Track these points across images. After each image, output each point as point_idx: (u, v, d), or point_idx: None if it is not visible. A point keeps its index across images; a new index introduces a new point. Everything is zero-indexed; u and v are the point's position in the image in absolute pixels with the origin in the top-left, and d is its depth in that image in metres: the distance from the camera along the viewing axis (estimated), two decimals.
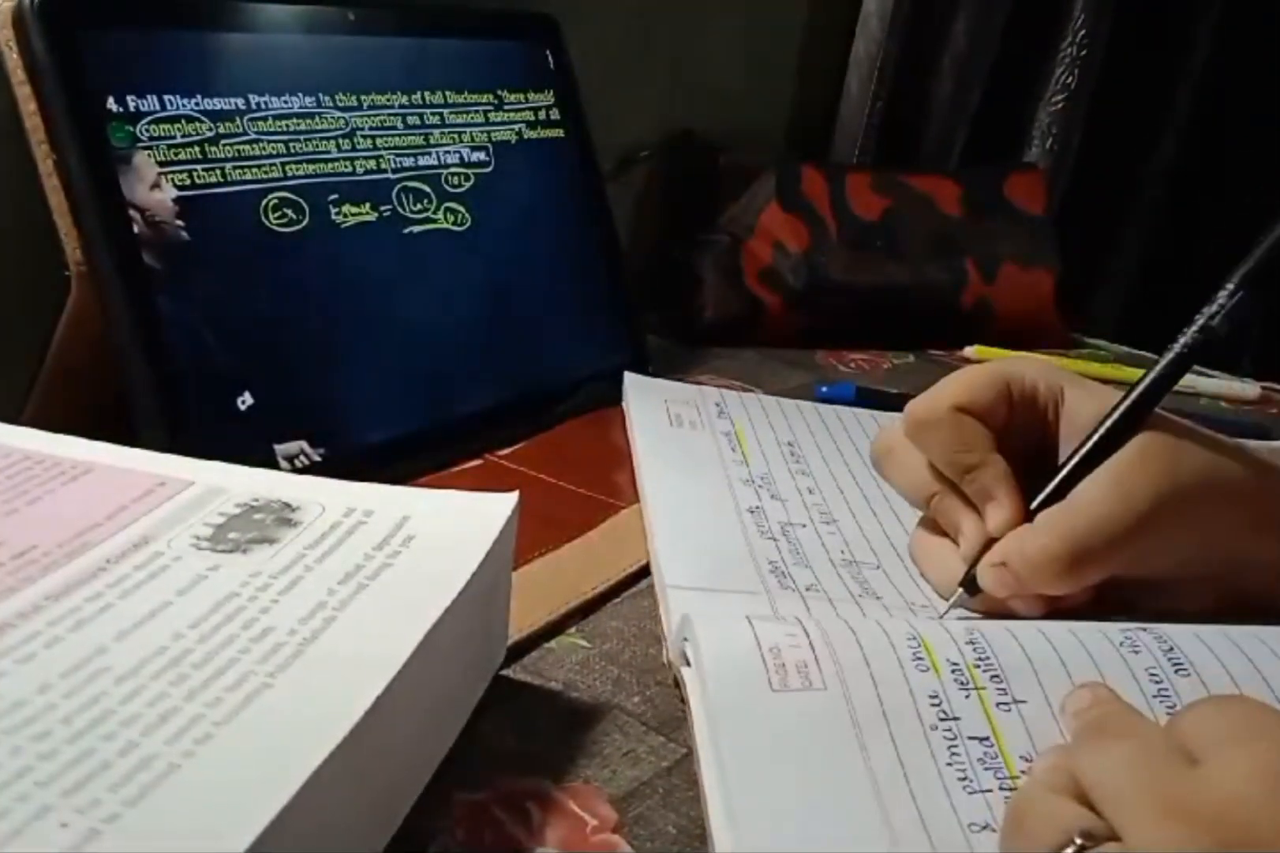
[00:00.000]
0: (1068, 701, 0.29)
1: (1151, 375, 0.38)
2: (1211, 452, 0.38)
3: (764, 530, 0.43)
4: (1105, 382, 0.42)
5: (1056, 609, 0.38)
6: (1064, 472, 0.38)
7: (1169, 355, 0.38)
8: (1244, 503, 0.37)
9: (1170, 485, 0.36)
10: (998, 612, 0.38)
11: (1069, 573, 0.36)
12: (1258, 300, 0.37)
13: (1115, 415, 0.38)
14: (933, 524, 0.41)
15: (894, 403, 0.54)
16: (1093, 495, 0.37)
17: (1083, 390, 0.40)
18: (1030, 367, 0.41)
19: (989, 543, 0.38)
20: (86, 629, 0.26)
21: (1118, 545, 0.36)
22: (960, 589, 0.39)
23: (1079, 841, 0.23)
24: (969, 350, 0.75)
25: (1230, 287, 0.37)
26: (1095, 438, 0.38)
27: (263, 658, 0.26)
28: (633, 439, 0.52)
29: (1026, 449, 0.40)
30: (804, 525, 0.45)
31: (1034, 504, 0.38)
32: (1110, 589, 0.39)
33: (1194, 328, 0.38)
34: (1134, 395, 0.38)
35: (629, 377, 0.59)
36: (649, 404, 0.56)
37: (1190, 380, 0.73)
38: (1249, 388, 0.73)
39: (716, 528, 0.44)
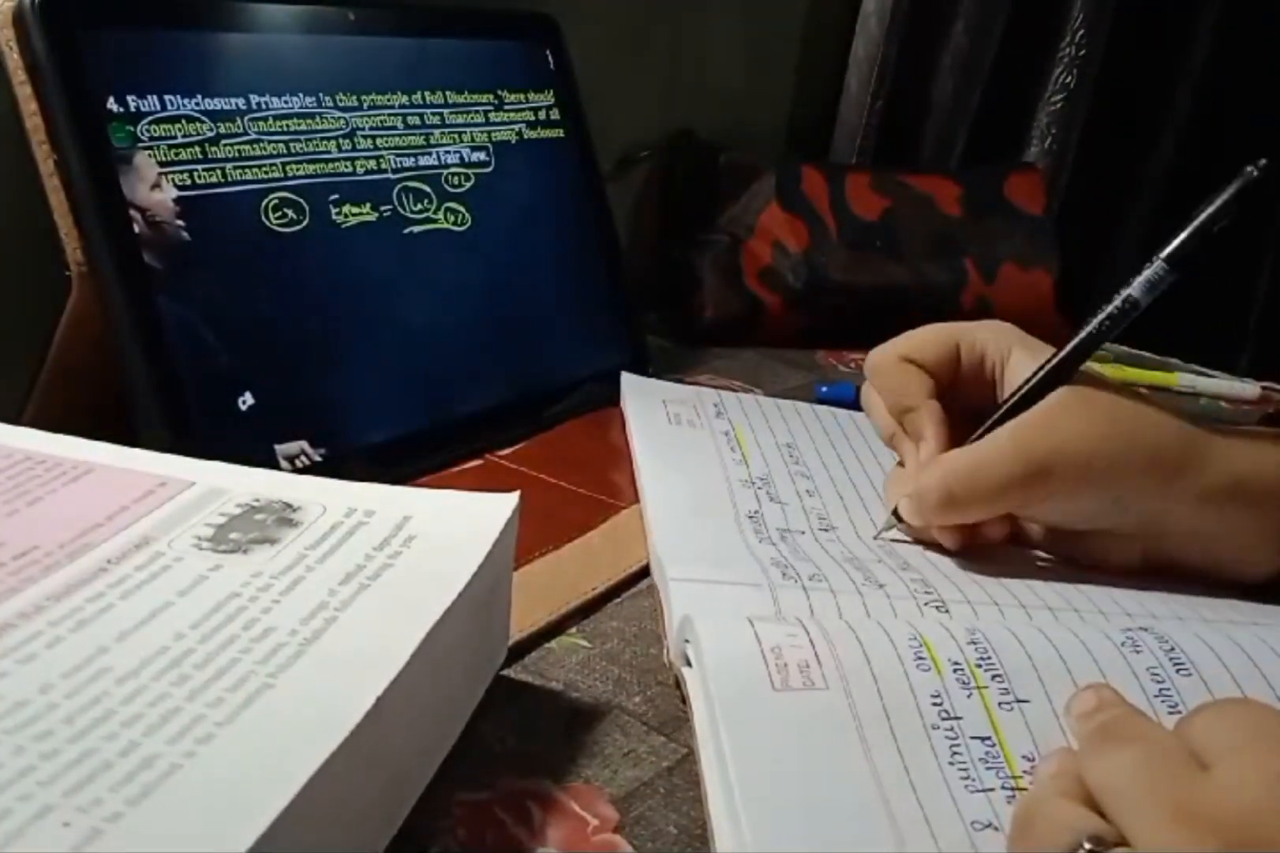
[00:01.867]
0: (1072, 702, 0.29)
1: (1080, 335, 0.41)
2: (1135, 415, 0.39)
3: (763, 537, 0.43)
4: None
5: (974, 544, 0.42)
6: (990, 419, 0.42)
7: (1097, 317, 0.41)
8: (1161, 470, 0.38)
9: (1072, 442, 0.38)
10: (923, 539, 0.43)
11: (942, 507, 0.40)
12: (1180, 280, 0.40)
13: (1044, 370, 0.41)
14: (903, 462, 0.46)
15: None
16: (989, 441, 0.40)
17: (1028, 351, 0.43)
18: (985, 329, 0.45)
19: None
20: (88, 629, 0.26)
21: (996, 489, 0.39)
22: (892, 517, 0.44)
23: (1087, 845, 0.23)
24: None
25: (1153, 263, 0.40)
26: (1022, 391, 0.41)
27: (264, 658, 0.26)
28: (631, 439, 0.52)
29: (975, 404, 0.43)
30: (803, 533, 0.45)
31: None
32: (1031, 533, 0.43)
33: (1120, 296, 0.41)
34: (1062, 353, 0.41)
35: (626, 377, 0.59)
36: (647, 404, 0.56)
37: (1190, 380, 0.73)
38: (1249, 388, 0.73)
39: (716, 530, 0.44)
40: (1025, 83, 1.00)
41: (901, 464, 0.46)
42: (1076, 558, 0.43)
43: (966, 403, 0.44)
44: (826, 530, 0.45)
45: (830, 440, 0.55)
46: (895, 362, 0.44)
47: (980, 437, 0.41)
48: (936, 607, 0.38)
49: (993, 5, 0.91)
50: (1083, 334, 0.41)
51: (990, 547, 0.43)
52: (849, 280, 0.75)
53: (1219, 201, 0.39)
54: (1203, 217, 0.40)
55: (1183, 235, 0.40)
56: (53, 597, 0.27)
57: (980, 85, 0.95)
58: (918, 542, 0.44)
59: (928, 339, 0.45)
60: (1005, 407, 0.41)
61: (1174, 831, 0.22)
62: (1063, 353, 0.41)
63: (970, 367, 0.44)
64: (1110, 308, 0.41)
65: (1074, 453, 0.38)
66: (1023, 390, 0.41)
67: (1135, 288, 0.41)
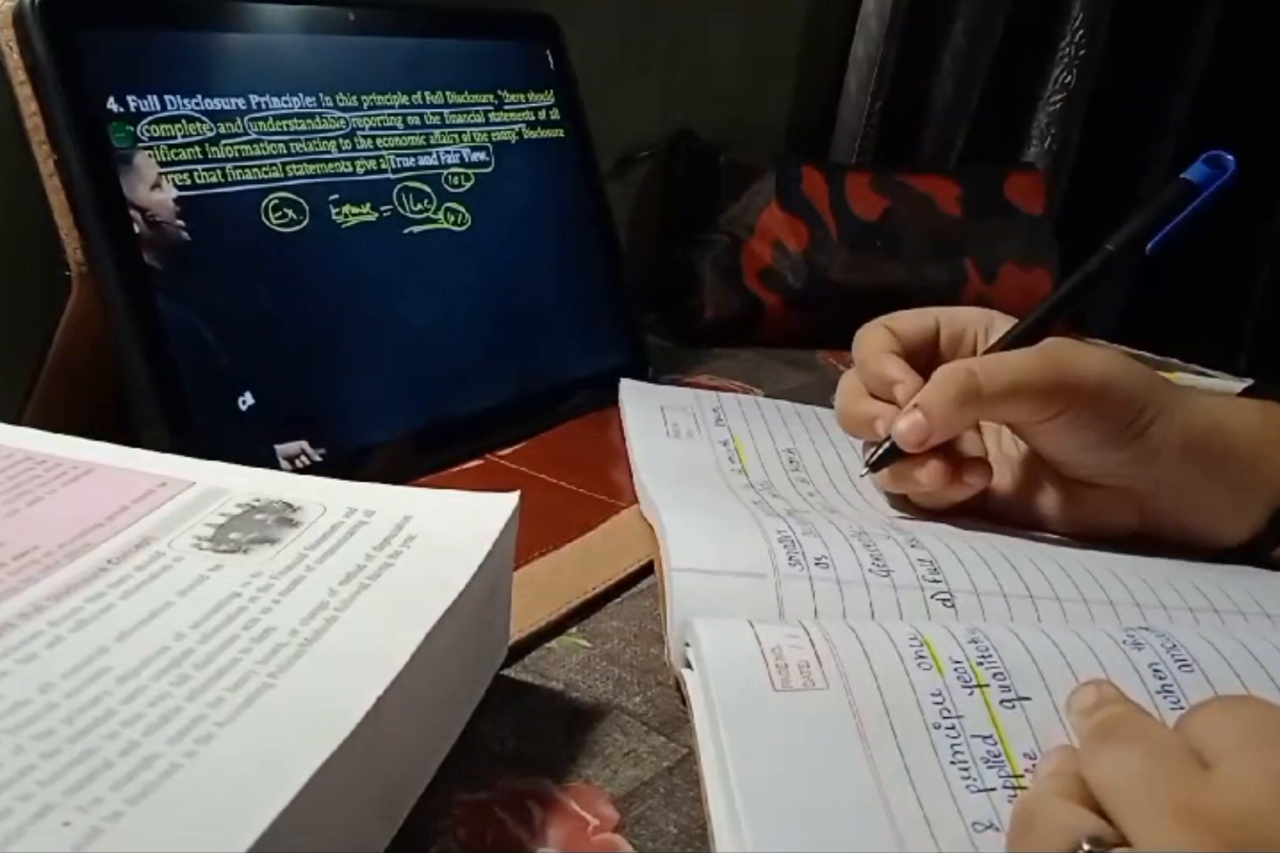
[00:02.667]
0: (1073, 698, 0.29)
1: (1053, 297, 0.45)
2: (1112, 358, 0.42)
3: (770, 512, 0.43)
4: None
5: (953, 490, 0.44)
6: (986, 350, 0.45)
7: (1076, 275, 0.45)
8: (1134, 412, 0.41)
9: (1094, 362, 0.41)
10: (903, 487, 0.45)
11: (963, 398, 0.41)
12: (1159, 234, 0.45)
13: (1026, 321, 0.45)
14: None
15: None
16: (1015, 351, 0.43)
17: (1006, 322, 0.47)
18: (967, 310, 0.49)
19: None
20: (88, 629, 0.26)
21: (1021, 387, 0.41)
22: (875, 451, 0.45)
23: (1087, 846, 0.23)
24: None
25: (1120, 236, 0.45)
26: (1007, 340, 0.45)
27: (264, 658, 0.26)
28: (630, 449, 0.52)
29: None
30: (808, 511, 0.44)
31: None
32: (1038, 505, 0.45)
33: (1098, 255, 0.45)
34: (1043, 307, 0.45)
35: (624, 383, 0.58)
36: (645, 412, 0.55)
37: (1190, 380, 0.73)
38: None
39: (721, 510, 0.43)
40: (1025, 83, 1.00)
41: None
42: (1073, 521, 0.44)
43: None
44: (832, 512, 0.45)
45: (832, 442, 0.54)
46: (875, 326, 0.48)
47: None
48: (943, 600, 0.37)
49: (993, 5, 0.92)
50: (1063, 289, 0.46)
51: (995, 526, 0.44)
52: (849, 280, 0.75)
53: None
54: (1159, 202, 0.45)
55: (1148, 212, 0.45)
56: (53, 597, 0.27)
57: (980, 85, 0.95)
58: (898, 490, 0.46)
59: (910, 313, 0.49)
60: (1006, 340, 0.45)
61: (1175, 831, 0.22)
62: (1043, 307, 0.45)
63: (950, 338, 0.48)
64: (1094, 260, 0.45)
65: (1094, 370, 0.40)
66: (1006, 340, 0.45)
67: (1115, 241, 0.45)
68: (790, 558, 0.38)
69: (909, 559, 0.39)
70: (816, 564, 0.38)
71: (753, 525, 0.41)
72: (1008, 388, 0.41)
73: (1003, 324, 0.47)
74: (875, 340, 0.47)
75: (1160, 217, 0.45)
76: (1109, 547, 0.43)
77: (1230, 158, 0.44)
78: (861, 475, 0.46)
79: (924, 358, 0.47)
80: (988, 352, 0.45)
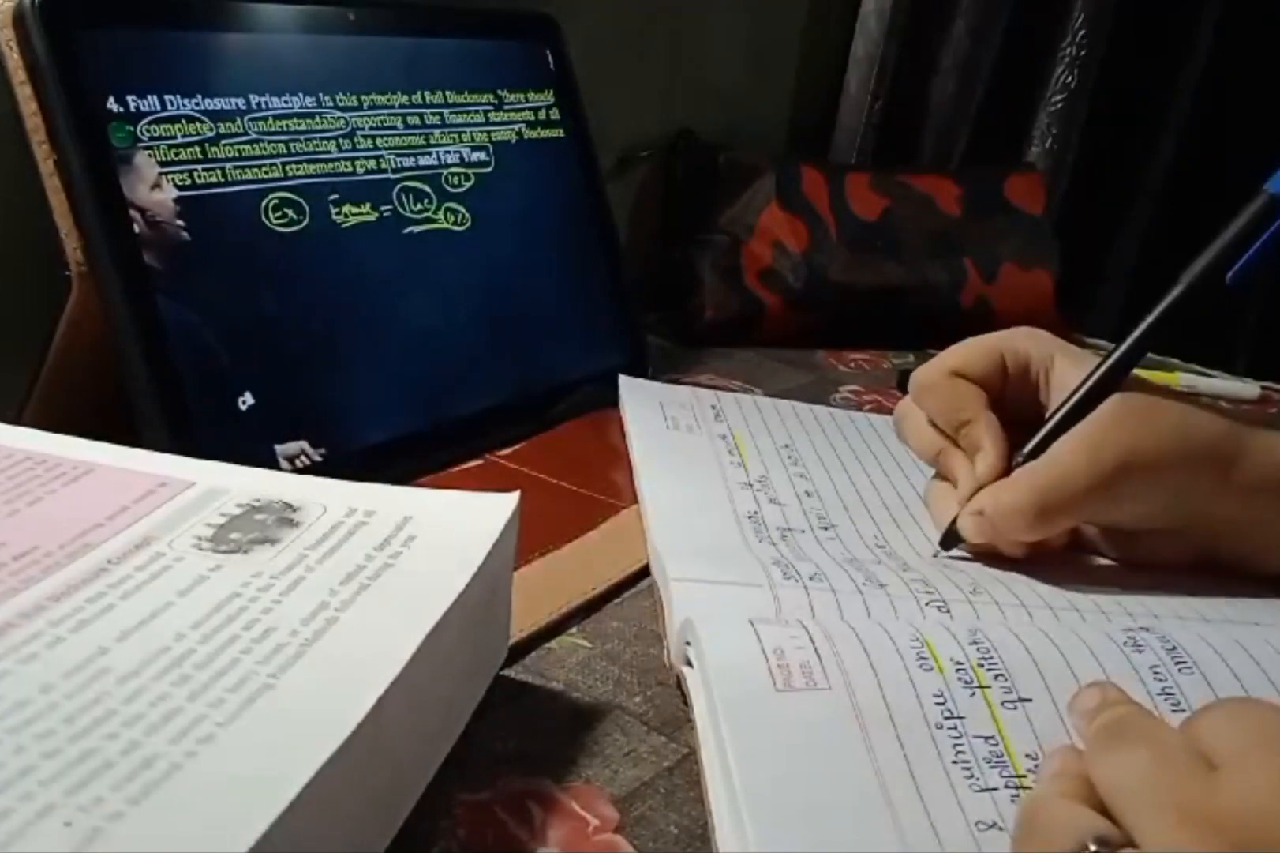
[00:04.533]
0: (1076, 700, 0.29)
1: (1126, 343, 0.41)
2: (1184, 415, 0.40)
3: (762, 537, 0.43)
4: None
5: (1036, 552, 0.42)
6: (1044, 429, 0.42)
7: (1143, 325, 0.41)
8: (1214, 465, 0.40)
9: (1138, 445, 0.39)
10: (984, 553, 0.43)
11: (1036, 522, 0.40)
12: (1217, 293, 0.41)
13: (1092, 379, 0.42)
14: (942, 477, 0.46)
15: None
16: (1063, 452, 0.40)
17: (1070, 359, 0.44)
18: (1025, 337, 0.45)
19: (979, 489, 0.42)
20: (88, 630, 0.26)
21: (1082, 498, 0.40)
22: (949, 534, 0.43)
23: (1093, 847, 0.23)
24: None
25: (1197, 266, 0.41)
26: (1073, 400, 0.41)
27: (265, 659, 0.26)
28: (630, 443, 0.52)
29: (1022, 414, 0.44)
30: (803, 532, 0.45)
31: (1017, 459, 0.42)
32: (1088, 537, 0.44)
33: (1163, 303, 0.41)
34: (1109, 361, 0.42)
35: (624, 380, 0.59)
36: (644, 408, 0.55)
37: (1190, 380, 0.73)
38: (1249, 388, 0.73)
39: (715, 529, 0.44)
40: (1026, 83, 1.00)
41: (940, 477, 0.46)
42: (1130, 559, 0.43)
43: (1012, 414, 0.44)
44: (826, 529, 0.45)
45: (830, 441, 0.55)
46: (945, 376, 0.45)
47: (1037, 448, 0.41)
48: (938, 606, 0.38)
49: (993, 5, 0.91)
50: (1128, 342, 0.41)
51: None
52: (849, 280, 0.75)
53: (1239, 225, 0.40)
54: (1229, 235, 0.40)
55: (1214, 250, 0.40)
56: (53, 597, 0.27)
57: (980, 85, 0.95)
58: (977, 558, 0.43)
59: (974, 352, 0.45)
60: (1058, 417, 0.41)
61: (1182, 832, 0.22)
62: (1109, 361, 0.42)
63: (1016, 377, 0.45)
64: (1151, 317, 0.41)
65: (1144, 456, 0.39)
66: (1072, 401, 0.41)
67: (1190, 273, 0.41)
68: (785, 573, 0.39)
69: (901, 579, 0.40)
70: (811, 579, 0.39)
71: (745, 553, 0.41)
72: (1072, 504, 0.40)
73: (1063, 362, 0.44)
74: (955, 395, 0.44)
75: (1241, 239, 0.40)
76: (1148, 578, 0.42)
77: None
78: (935, 556, 0.43)
79: (995, 392, 0.45)
80: (1055, 415, 0.42)
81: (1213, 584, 0.41)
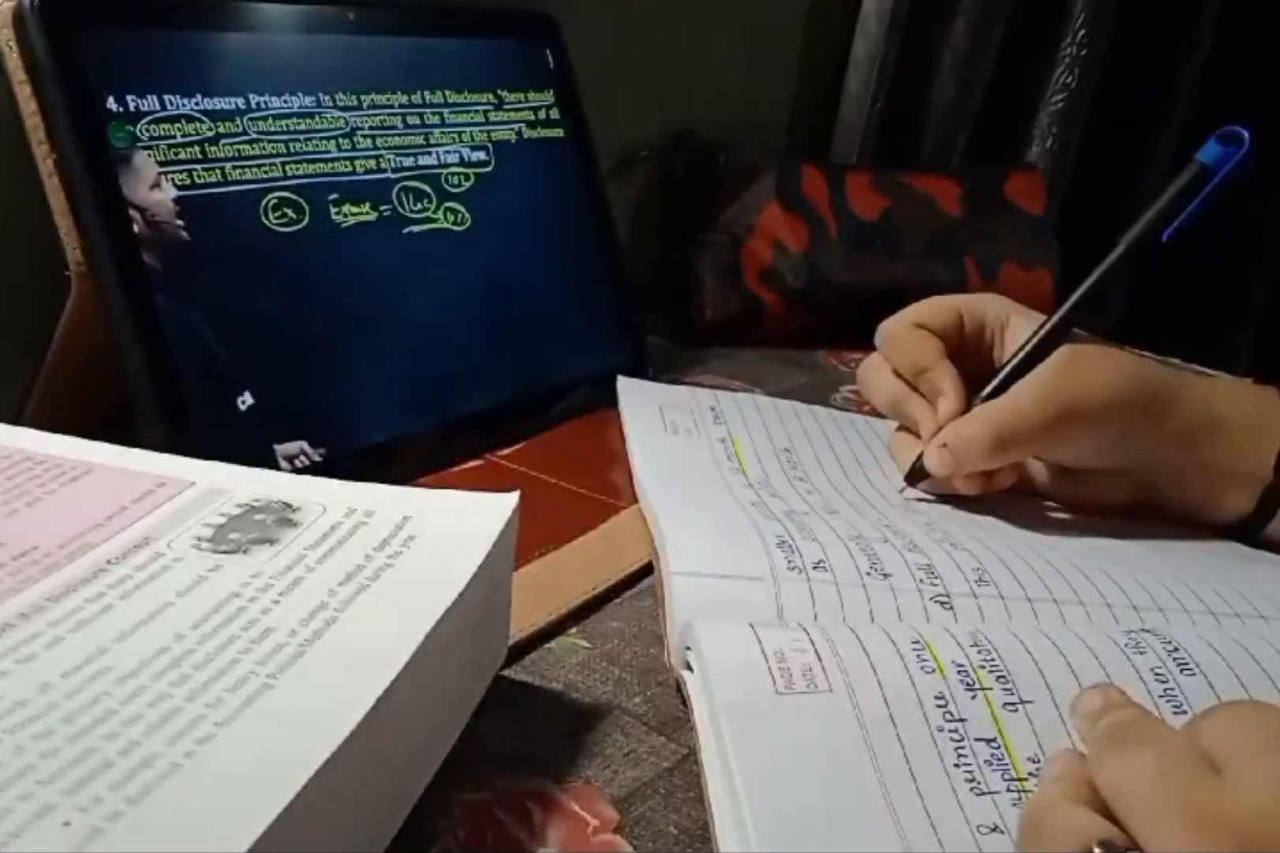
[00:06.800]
0: (1078, 703, 0.29)
1: (1075, 295, 0.47)
2: (1127, 364, 0.45)
3: (767, 515, 0.43)
4: None
5: (989, 489, 0.47)
6: (1002, 373, 0.47)
7: (1089, 280, 0.47)
8: (1153, 410, 0.44)
9: (1083, 390, 0.44)
10: (944, 490, 0.48)
11: (993, 451, 0.45)
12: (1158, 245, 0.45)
13: (1045, 329, 0.46)
14: (904, 429, 0.51)
15: None
16: (1018, 393, 0.45)
17: (1025, 318, 0.49)
18: (986, 300, 0.51)
19: (939, 431, 0.47)
20: (87, 630, 0.26)
21: (1034, 433, 0.44)
22: (913, 471, 0.48)
23: (1098, 850, 0.23)
24: None
25: (1135, 229, 0.46)
26: (1028, 347, 0.46)
27: (264, 659, 0.26)
28: (629, 446, 0.52)
29: (975, 370, 0.48)
30: (807, 513, 0.44)
31: (975, 400, 0.47)
32: (1037, 481, 0.49)
33: (1107, 260, 0.46)
34: (1061, 312, 0.47)
35: (622, 381, 0.58)
36: (643, 410, 0.55)
37: None
38: None
39: (719, 514, 0.43)
40: (1026, 83, 1.00)
41: (903, 429, 0.51)
42: (1075, 499, 0.48)
43: (965, 369, 0.48)
44: (831, 512, 0.45)
45: (829, 443, 0.54)
46: (908, 327, 0.49)
47: (993, 391, 0.46)
48: (941, 602, 0.38)
49: (993, 5, 0.91)
50: (1078, 294, 0.47)
51: (999, 509, 0.47)
52: (849, 280, 0.75)
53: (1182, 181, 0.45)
54: (1164, 200, 0.45)
55: (1151, 213, 0.45)
56: (52, 597, 0.27)
57: (981, 85, 0.95)
58: (938, 495, 0.48)
59: (935, 307, 0.50)
60: (1014, 362, 0.46)
61: (1186, 835, 0.22)
62: (1060, 312, 0.46)
63: (972, 333, 0.50)
64: (1096, 273, 0.46)
65: (1088, 401, 0.44)
66: (1027, 348, 0.46)
67: (1128, 236, 0.46)
68: (789, 562, 0.39)
69: (906, 563, 0.39)
70: (815, 568, 0.38)
71: (750, 530, 0.41)
72: (1026, 437, 0.45)
73: (1017, 320, 0.49)
74: (917, 345, 0.49)
75: (1175, 203, 0.45)
76: (1109, 534, 0.46)
77: (1245, 132, 0.44)
78: (900, 491, 0.49)
79: (952, 346, 0.49)
80: (1009, 362, 0.47)
81: (1217, 571, 0.42)
